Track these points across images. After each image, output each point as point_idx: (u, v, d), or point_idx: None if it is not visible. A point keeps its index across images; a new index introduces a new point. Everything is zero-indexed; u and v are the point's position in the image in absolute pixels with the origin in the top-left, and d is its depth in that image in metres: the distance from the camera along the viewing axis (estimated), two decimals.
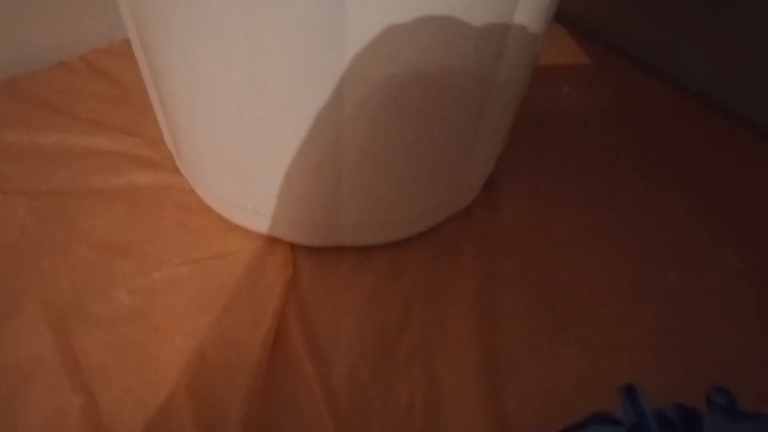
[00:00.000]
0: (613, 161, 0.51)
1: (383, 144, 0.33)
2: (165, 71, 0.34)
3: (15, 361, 0.35)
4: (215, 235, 0.42)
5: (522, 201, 0.47)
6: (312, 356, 0.36)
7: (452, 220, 0.43)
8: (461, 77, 0.31)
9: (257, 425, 0.33)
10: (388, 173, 0.35)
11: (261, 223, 0.40)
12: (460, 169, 0.39)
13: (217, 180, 0.39)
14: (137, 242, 0.41)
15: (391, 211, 0.39)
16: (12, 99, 0.50)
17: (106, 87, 0.53)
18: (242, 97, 0.31)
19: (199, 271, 0.39)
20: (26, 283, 0.38)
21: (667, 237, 0.45)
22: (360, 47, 0.28)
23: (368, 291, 0.40)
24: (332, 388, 0.35)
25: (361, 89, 0.30)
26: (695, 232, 0.46)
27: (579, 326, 0.39)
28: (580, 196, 0.48)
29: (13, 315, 0.37)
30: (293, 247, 0.42)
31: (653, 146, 0.53)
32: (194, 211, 0.43)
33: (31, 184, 0.44)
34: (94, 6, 0.56)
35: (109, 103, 0.51)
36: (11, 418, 0.32)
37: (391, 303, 0.39)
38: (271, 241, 0.41)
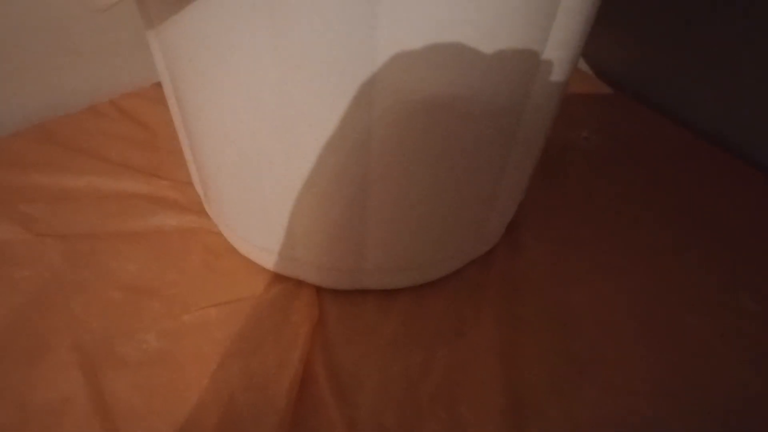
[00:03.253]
0: (631, 204, 0.51)
1: (410, 187, 0.34)
2: (195, 114, 0.35)
3: (45, 402, 0.35)
4: (242, 278, 0.42)
5: (543, 245, 0.47)
6: (337, 399, 0.36)
7: (474, 264, 0.44)
8: (489, 112, 0.31)
9: None
10: (413, 217, 0.36)
11: (287, 266, 0.41)
12: (484, 213, 0.39)
13: (243, 223, 0.40)
14: (165, 284, 0.42)
15: (415, 256, 0.39)
16: (44, 142, 0.52)
17: (135, 130, 0.54)
18: (270, 141, 0.32)
19: (227, 313, 0.40)
20: (57, 325, 0.39)
21: (684, 279, 0.45)
22: (389, 94, 0.28)
23: (392, 334, 0.40)
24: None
25: (388, 133, 0.30)
26: (712, 275, 0.46)
27: (600, 369, 0.39)
28: (600, 239, 0.48)
29: (43, 356, 0.37)
30: (318, 290, 0.42)
31: (671, 189, 0.53)
32: (221, 253, 0.44)
33: (62, 227, 0.45)
34: (123, 51, 0.58)
35: (137, 147, 0.52)
36: None
37: (414, 346, 0.40)
38: (297, 283, 0.42)
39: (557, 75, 0.33)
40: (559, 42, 0.30)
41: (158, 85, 0.59)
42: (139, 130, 0.54)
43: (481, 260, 0.44)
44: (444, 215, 0.37)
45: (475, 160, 0.34)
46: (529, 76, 0.31)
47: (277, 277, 0.43)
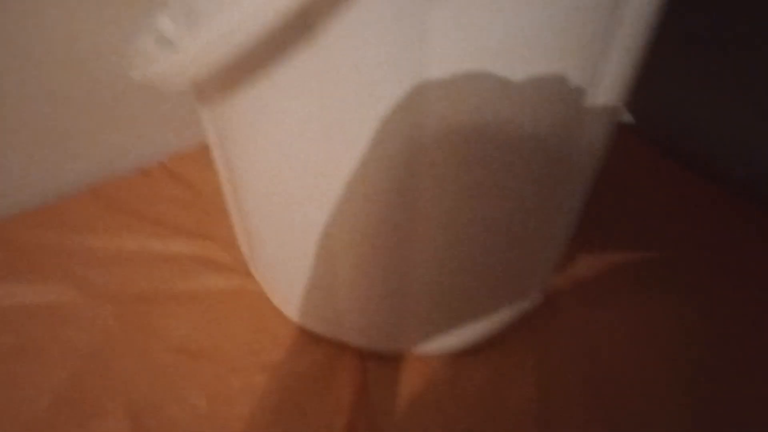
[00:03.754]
0: (670, 262, 0.51)
1: (456, 242, 0.34)
2: (242, 178, 0.36)
3: None
4: (287, 341, 0.43)
5: (581, 308, 0.47)
6: None
7: (514, 328, 0.44)
8: (543, 143, 0.30)
9: None
10: (458, 276, 0.36)
11: (331, 330, 0.42)
12: (528, 268, 0.39)
13: (288, 286, 0.41)
14: (213, 347, 0.43)
15: (458, 321, 0.40)
16: (96, 205, 0.54)
17: (183, 192, 0.56)
18: (314, 208, 0.33)
19: (273, 377, 0.41)
20: (110, 387, 0.40)
21: (721, 341, 0.45)
22: (436, 152, 0.29)
23: (434, 398, 0.40)
24: None
25: (435, 190, 0.30)
26: (747, 338, 0.45)
27: None
28: (640, 301, 0.48)
29: (97, 418, 0.39)
30: (362, 354, 0.43)
31: (710, 251, 0.52)
32: (267, 315, 0.45)
33: (115, 289, 0.47)
34: (171, 114, 0.60)
35: (185, 208, 0.54)
36: None
37: (456, 410, 0.40)
38: (342, 346, 0.43)
39: (608, 109, 0.32)
40: (612, 71, 0.29)
41: (205, 146, 0.61)
42: (187, 191, 0.56)
43: (521, 323, 0.44)
44: (489, 276, 0.37)
45: (526, 201, 0.33)
46: (583, 105, 0.30)
47: (322, 340, 0.43)
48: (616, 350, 0.44)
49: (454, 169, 0.30)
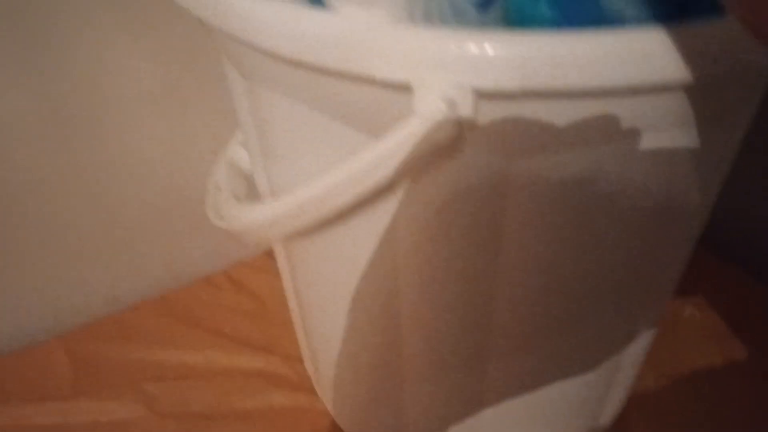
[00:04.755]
0: (746, 386, 0.49)
1: (531, 363, 0.33)
2: (308, 301, 0.37)
3: None
4: None
5: (651, 428, 0.45)
6: None
7: None
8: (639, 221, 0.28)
9: None
10: (532, 393, 0.35)
11: None
12: (604, 384, 0.38)
13: (353, 408, 0.41)
14: None
15: None
16: (163, 316, 0.55)
17: (247, 301, 0.57)
18: (382, 331, 0.33)
19: None
20: None
21: None
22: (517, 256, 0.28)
23: None
24: None
25: (515, 295, 0.29)
26: None
27: None
28: (715, 423, 0.46)
29: None
30: None
31: None
32: None
33: (180, 406, 0.47)
34: None
35: (249, 319, 0.55)
36: None
37: None
38: None
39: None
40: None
41: (267, 255, 0.62)
42: (251, 301, 0.57)
43: None
44: (569, 376, 0.35)
45: (615, 285, 0.31)
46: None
47: None
48: None
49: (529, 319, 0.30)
